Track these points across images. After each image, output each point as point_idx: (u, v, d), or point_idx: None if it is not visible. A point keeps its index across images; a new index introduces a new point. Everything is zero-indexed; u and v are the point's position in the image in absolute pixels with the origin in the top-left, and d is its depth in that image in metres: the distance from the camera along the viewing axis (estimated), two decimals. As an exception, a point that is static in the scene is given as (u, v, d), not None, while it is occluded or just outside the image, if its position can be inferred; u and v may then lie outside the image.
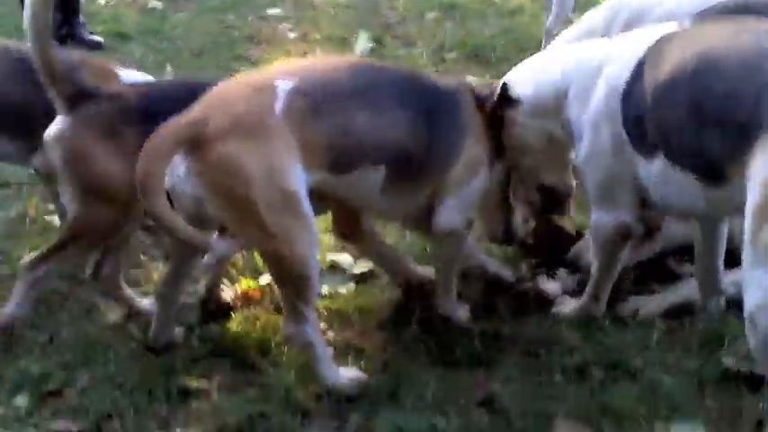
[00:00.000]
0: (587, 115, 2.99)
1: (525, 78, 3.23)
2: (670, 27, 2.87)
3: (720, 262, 3.15)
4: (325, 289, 3.45)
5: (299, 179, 2.72)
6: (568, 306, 3.27)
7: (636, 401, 2.73)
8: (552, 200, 3.39)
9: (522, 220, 3.43)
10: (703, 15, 3.36)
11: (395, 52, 6.67)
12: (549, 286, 3.43)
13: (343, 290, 3.51)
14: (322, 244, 3.66)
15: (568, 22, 5.55)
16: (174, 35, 7.53)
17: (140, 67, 4.65)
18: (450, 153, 3.02)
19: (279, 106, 2.73)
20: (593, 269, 3.18)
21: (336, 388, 2.84)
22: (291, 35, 7.37)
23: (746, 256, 2.31)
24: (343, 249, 3.78)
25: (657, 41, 2.81)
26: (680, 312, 3.21)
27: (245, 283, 3.51)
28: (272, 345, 3.10)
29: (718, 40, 2.59)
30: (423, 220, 3.17)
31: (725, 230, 3.10)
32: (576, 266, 3.51)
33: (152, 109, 2.98)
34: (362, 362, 3.03)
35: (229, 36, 7.49)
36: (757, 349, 2.33)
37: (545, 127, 3.18)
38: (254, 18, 7.99)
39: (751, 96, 2.38)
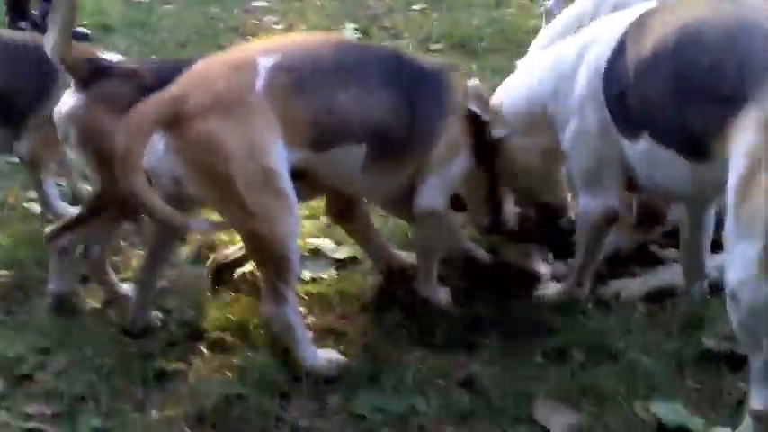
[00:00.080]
0: (572, 100, 2.97)
1: (513, 96, 3.22)
2: (651, 5, 2.85)
3: (706, 246, 3.13)
4: (306, 274, 3.43)
5: (280, 157, 2.69)
6: (551, 289, 3.26)
7: (616, 382, 2.71)
8: (547, 213, 3.41)
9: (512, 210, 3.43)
10: None
11: (381, 43, 6.63)
12: (542, 268, 3.40)
13: (324, 275, 3.48)
14: (304, 229, 3.66)
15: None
16: (159, 27, 7.50)
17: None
18: (431, 132, 3.00)
19: (260, 83, 2.70)
20: (578, 253, 3.16)
21: (315, 370, 2.81)
22: (277, 27, 7.34)
23: (729, 229, 2.28)
24: (325, 235, 3.77)
25: (638, 19, 2.78)
26: (661, 296, 3.20)
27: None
28: (251, 328, 3.07)
29: (700, 12, 2.57)
30: (404, 203, 3.15)
31: (711, 215, 3.08)
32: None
33: (165, 86, 2.94)
34: (342, 345, 3.01)
35: (215, 28, 7.46)
36: (740, 326, 2.30)
37: (538, 142, 3.18)
38: (239, 10, 7.96)
39: (734, 67, 2.35)
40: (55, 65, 3.10)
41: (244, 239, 2.87)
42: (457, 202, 3.34)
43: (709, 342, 2.85)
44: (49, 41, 3.03)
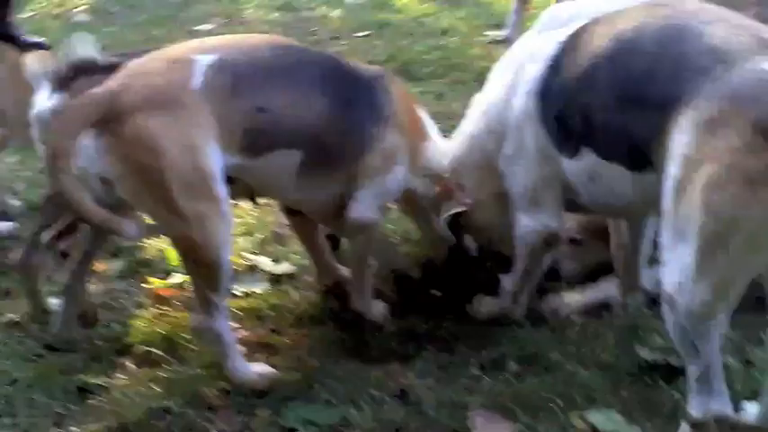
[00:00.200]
0: (509, 120, 2.94)
1: (466, 147, 3.18)
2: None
3: (641, 259, 3.11)
4: (239, 289, 3.35)
5: (215, 158, 2.60)
6: (486, 306, 3.20)
7: (552, 393, 2.67)
8: None
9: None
10: None
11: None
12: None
13: (258, 290, 3.40)
14: (239, 246, 3.59)
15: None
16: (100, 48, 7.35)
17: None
18: (365, 140, 2.93)
19: (196, 81, 2.63)
20: (515, 271, 3.11)
21: (245, 382, 2.74)
22: (220, 51, 7.25)
23: (665, 234, 2.25)
24: (260, 251, 3.70)
25: (570, 36, 2.75)
26: (598, 309, 3.17)
27: (155, 283, 3.40)
28: (179, 342, 2.98)
29: (632, 20, 2.55)
30: (338, 216, 3.08)
31: (646, 227, 3.06)
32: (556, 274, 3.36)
33: None
34: (274, 358, 2.93)
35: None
36: (677, 332, 2.28)
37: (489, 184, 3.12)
38: (183, 33, 7.86)
39: (667, 71, 2.33)
40: None
41: (176, 246, 2.77)
42: None
43: (645, 353, 2.82)
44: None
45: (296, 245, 3.70)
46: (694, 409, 2.30)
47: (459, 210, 3.15)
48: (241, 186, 2.94)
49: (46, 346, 2.98)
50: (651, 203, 2.56)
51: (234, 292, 3.23)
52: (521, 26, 6.17)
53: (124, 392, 2.73)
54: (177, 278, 3.45)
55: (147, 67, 2.69)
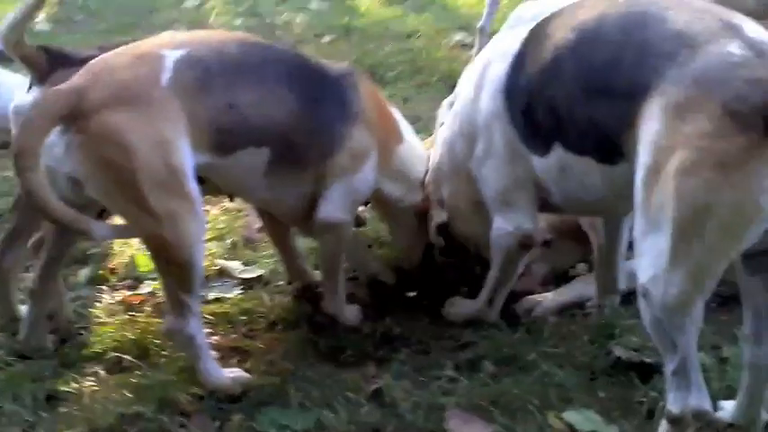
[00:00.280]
0: (478, 121, 2.92)
1: (443, 153, 3.17)
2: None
3: (620, 260, 3.10)
4: (210, 295, 3.31)
5: (186, 155, 2.55)
6: (461, 308, 3.18)
7: (528, 393, 2.66)
8: None
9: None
10: None
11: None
12: None
13: (229, 295, 3.36)
14: (209, 251, 3.55)
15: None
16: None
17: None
18: (333, 138, 2.90)
19: (166, 76, 2.57)
20: (491, 274, 3.09)
21: (218, 387, 2.69)
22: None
23: (638, 225, 2.24)
24: (231, 256, 3.66)
25: (532, 31, 2.74)
26: (572, 309, 3.17)
27: (125, 290, 3.37)
28: (151, 348, 2.94)
29: (594, 11, 2.52)
30: (308, 217, 3.04)
31: (626, 228, 3.05)
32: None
33: None
34: (247, 363, 2.89)
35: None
36: (653, 325, 2.26)
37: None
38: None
39: (632, 58, 2.31)
40: None
41: (147, 246, 2.71)
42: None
43: (620, 352, 2.82)
44: (3, 33, 2.83)
45: (267, 249, 3.68)
46: (672, 404, 2.28)
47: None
48: (212, 187, 2.91)
49: (15, 354, 2.91)
50: (623, 197, 2.54)
51: (205, 297, 3.19)
52: (494, 15, 6.18)
53: (95, 399, 2.68)
54: (147, 285, 3.41)
55: (114, 63, 2.63)
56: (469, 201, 3.08)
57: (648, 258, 2.20)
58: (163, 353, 2.91)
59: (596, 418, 2.52)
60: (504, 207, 2.94)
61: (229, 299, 3.32)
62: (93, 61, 2.66)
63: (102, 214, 2.87)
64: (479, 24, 6.28)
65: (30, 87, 2.90)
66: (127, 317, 3.15)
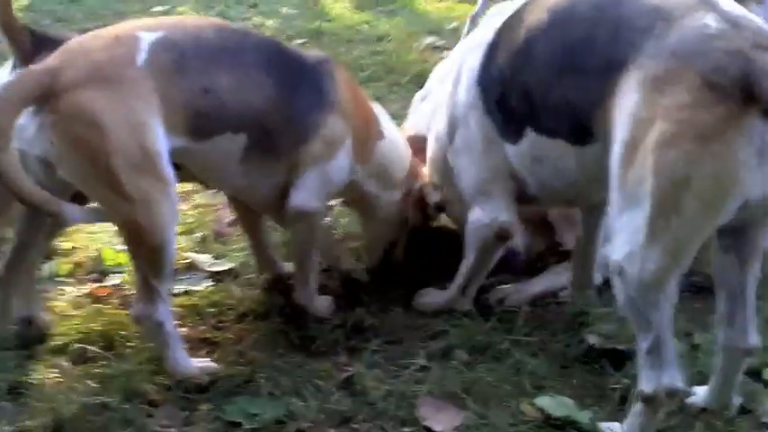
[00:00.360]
0: (456, 114, 2.92)
1: (434, 148, 3.18)
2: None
3: (596, 256, 3.06)
4: (179, 288, 3.25)
5: (160, 137, 2.50)
6: (432, 298, 3.16)
7: (501, 381, 2.64)
8: None
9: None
10: None
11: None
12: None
13: (198, 288, 3.30)
14: (178, 245, 3.49)
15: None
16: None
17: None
18: (308, 126, 2.86)
19: (141, 58, 2.53)
20: (465, 264, 3.07)
21: (186, 376, 2.64)
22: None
23: (613, 202, 2.21)
24: (200, 249, 3.61)
25: (505, 21, 2.74)
26: (545, 300, 3.15)
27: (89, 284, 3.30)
28: (117, 339, 2.88)
29: None
30: (281, 207, 3.00)
31: (603, 224, 3.02)
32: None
33: None
34: (216, 353, 2.84)
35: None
36: (628, 303, 2.24)
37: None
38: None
39: (607, 35, 2.30)
40: None
41: (119, 228, 2.65)
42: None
43: (594, 340, 2.81)
44: None
45: (237, 243, 3.63)
46: (645, 384, 2.27)
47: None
48: (186, 174, 2.88)
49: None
50: (595, 183, 2.53)
51: (173, 290, 3.13)
52: (488, 5, 6.16)
53: (59, 390, 2.62)
54: (114, 279, 3.35)
55: (89, 44, 2.58)
56: (456, 191, 3.08)
57: (624, 235, 2.18)
58: (129, 344, 2.85)
59: (569, 403, 2.50)
60: (480, 198, 2.93)
61: (198, 291, 3.26)
62: (67, 43, 2.61)
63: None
64: (472, 13, 6.27)
65: (13, 68, 2.83)
66: (92, 309, 3.08)
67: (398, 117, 4.46)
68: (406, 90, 5.70)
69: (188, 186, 3.94)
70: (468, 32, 5.61)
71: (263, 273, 3.31)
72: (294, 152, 2.86)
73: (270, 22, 7.92)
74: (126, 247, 2.68)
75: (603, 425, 2.42)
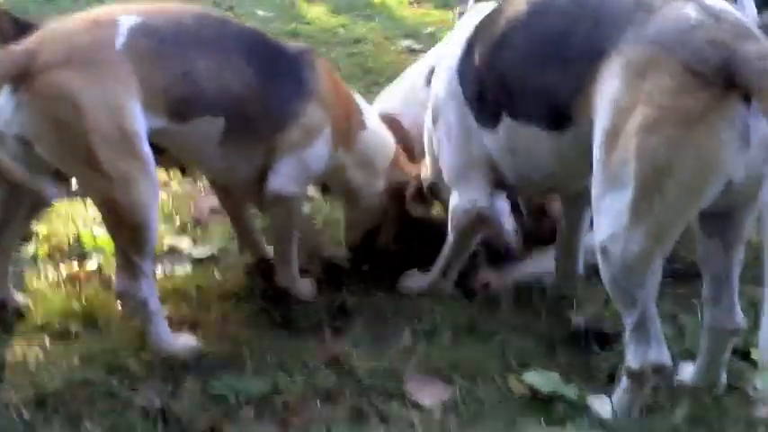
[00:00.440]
0: (438, 104, 2.94)
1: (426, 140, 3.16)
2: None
3: (581, 246, 3.07)
4: (161, 270, 3.22)
5: (138, 118, 2.50)
6: (415, 281, 3.16)
7: (488, 358, 2.64)
8: None
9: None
10: None
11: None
12: None
13: (180, 271, 3.27)
14: (159, 231, 3.46)
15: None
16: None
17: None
18: (286, 112, 2.86)
19: (120, 41, 2.52)
20: (446, 247, 3.07)
21: (169, 353, 2.62)
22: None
23: (596, 185, 2.22)
24: (181, 235, 3.58)
25: (486, 16, 2.77)
26: (530, 285, 3.15)
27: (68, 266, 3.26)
28: (99, 318, 2.84)
29: None
30: (261, 191, 2.98)
31: (588, 214, 3.02)
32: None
33: None
34: (200, 332, 2.80)
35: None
36: (612, 283, 2.26)
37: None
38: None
39: (588, 23, 2.31)
40: None
41: (98, 207, 2.62)
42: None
43: (578, 320, 2.81)
44: None
45: (217, 230, 3.61)
46: (632, 359, 2.28)
47: None
48: (166, 160, 2.86)
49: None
50: (570, 171, 2.56)
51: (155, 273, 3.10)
52: None
53: (41, 366, 2.58)
54: (94, 261, 3.31)
55: (68, 27, 2.58)
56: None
57: (608, 217, 2.19)
58: (112, 322, 2.82)
59: (557, 379, 2.50)
60: (460, 184, 2.94)
61: (180, 275, 3.23)
62: (46, 26, 2.60)
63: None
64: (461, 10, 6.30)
65: None
66: (73, 289, 3.04)
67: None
68: (383, 90, 5.72)
69: (166, 175, 3.94)
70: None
71: (244, 254, 3.28)
72: (272, 138, 2.86)
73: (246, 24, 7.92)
74: (106, 226, 2.65)
75: (591, 399, 2.42)
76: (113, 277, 2.74)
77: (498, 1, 2.86)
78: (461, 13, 6.23)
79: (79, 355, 2.63)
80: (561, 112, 2.41)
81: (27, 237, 3.46)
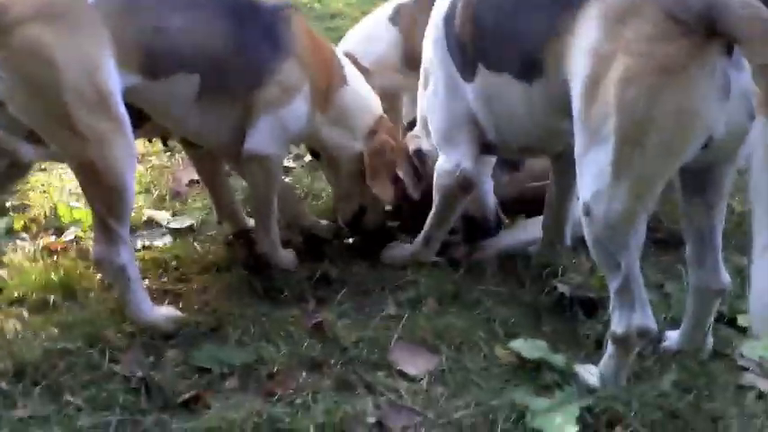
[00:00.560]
0: (427, 59, 2.93)
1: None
2: None
3: (569, 214, 3.04)
4: (139, 242, 3.18)
5: (112, 76, 2.44)
6: (398, 252, 3.12)
7: (473, 327, 2.61)
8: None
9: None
10: None
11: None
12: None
13: (159, 243, 3.22)
14: (137, 204, 3.42)
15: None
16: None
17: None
18: (263, 70, 2.80)
19: None
20: (431, 214, 3.03)
21: (150, 323, 2.57)
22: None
23: (578, 141, 2.18)
24: (159, 208, 3.53)
25: None
26: (514, 253, 3.13)
27: (46, 239, 3.21)
28: (78, 289, 2.80)
29: None
30: (238, 153, 2.92)
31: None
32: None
33: None
34: (181, 304, 2.76)
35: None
36: (596, 244, 2.22)
37: None
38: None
39: None
40: None
41: (74, 170, 2.55)
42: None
43: (564, 289, 2.79)
44: None
45: (196, 202, 3.57)
46: (617, 324, 2.26)
47: None
48: (149, 128, 2.81)
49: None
50: (542, 124, 2.52)
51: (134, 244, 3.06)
52: None
53: (20, 337, 2.52)
54: (70, 234, 3.25)
55: None
56: None
57: (590, 175, 2.15)
58: (90, 294, 2.76)
59: (544, 346, 2.47)
60: (446, 146, 2.91)
61: (158, 246, 3.19)
62: None
63: None
64: None
65: None
66: (50, 261, 2.99)
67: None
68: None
69: (144, 148, 3.88)
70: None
71: (223, 222, 3.26)
72: (249, 96, 2.80)
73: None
74: (83, 190, 2.58)
75: (578, 366, 2.40)
76: (91, 248, 2.69)
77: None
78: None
79: (58, 326, 2.58)
80: (531, 59, 2.37)
81: (2, 210, 3.41)
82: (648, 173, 2.10)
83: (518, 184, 3.35)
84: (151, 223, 3.40)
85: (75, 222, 3.32)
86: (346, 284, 2.91)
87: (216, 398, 2.30)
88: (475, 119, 2.79)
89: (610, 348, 2.32)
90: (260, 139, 2.85)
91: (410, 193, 3.12)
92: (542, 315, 2.73)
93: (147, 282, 2.87)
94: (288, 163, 3.93)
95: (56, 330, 2.55)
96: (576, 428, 2.15)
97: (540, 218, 3.11)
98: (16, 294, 2.80)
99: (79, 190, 3.12)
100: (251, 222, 3.22)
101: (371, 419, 2.21)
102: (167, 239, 3.26)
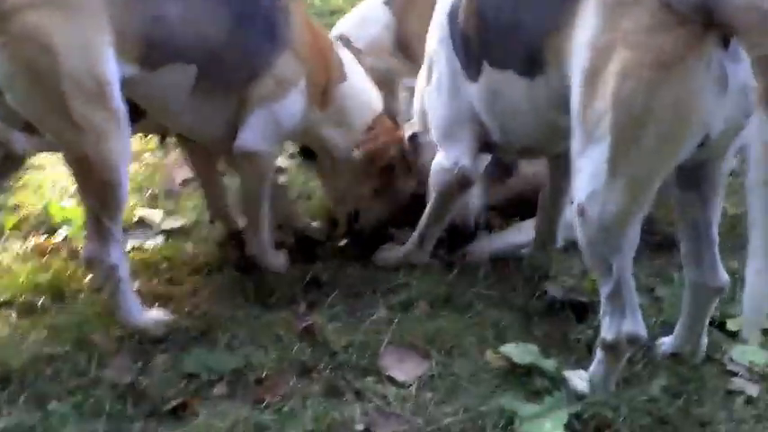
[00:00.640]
0: (431, 54, 2.90)
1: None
2: None
3: (561, 216, 3.03)
4: (131, 242, 3.16)
5: (111, 65, 2.41)
6: (391, 254, 3.11)
7: (464, 331, 2.60)
8: None
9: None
10: None
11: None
12: None
13: (149, 244, 3.20)
14: (129, 203, 3.39)
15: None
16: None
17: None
18: (259, 63, 2.76)
19: None
20: (426, 213, 3.02)
21: (139, 327, 2.55)
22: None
23: (576, 139, 2.16)
24: (151, 207, 3.51)
25: None
26: (505, 256, 3.11)
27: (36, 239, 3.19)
28: (66, 291, 2.79)
29: None
30: (231, 148, 2.89)
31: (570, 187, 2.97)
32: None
33: None
34: (171, 307, 2.74)
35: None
36: (589, 246, 2.20)
37: None
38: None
39: None
40: None
41: (68, 162, 2.52)
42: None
43: (556, 293, 2.78)
44: None
45: (189, 201, 3.55)
46: (607, 331, 2.24)
47: None
48: (148, 123, 2.81)
49: None
50: (544, 122, 2.50)
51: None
52: None
53: (6, 342, 2.51)
54: (61, 234, 3.24)
55: None
56: None
57: (586, 175, 2.13)
58: (80, 295, 2.75)
59: (534, 351, 2.46)
60: (446, 142, 2.89)
61: (150, 247, 3.17)
62: None
63: None
64: None
65: None
66: (39, 262, 2.98)
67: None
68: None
69: (139, 145, 3.86)
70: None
71: (215, 221, 3.24)
72: (244, 89, 2.77)
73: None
74: (77, 184, 2.55)
75: (568, 372, 2.39)
76: (81, 248, 2.67)
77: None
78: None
79: (46, 329, 2.57)
80: (532, 54, 2.35)
81: (-8, 209, 3.40)
82: (644, 171, 2.09)
83: (510, 188, 3.34)
84: (143, 223, 3.37)
85: (67, 222, 3.30)
86: (337, 287, 2.89)
87: (204, 405, 2.28)
88: (477, 117, 2.77)
89: (599, 354, 2.31)
90: (251, 134, 2.82)
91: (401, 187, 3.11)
92: (533, 318, 2.72)
93: (136, 284, 2.85)
94: (282, 162, 3.91)
95: (43, 334, 2.54)
96: (565, 435, 2.14)
97: (533, 221, 3.09)
98: (4, 297, 2.79)
99: (72, 188, 3.12)
100: (242, 223, 3.20)
101: (359, 426, 2.20)
102: (159, 240, 3.25)
